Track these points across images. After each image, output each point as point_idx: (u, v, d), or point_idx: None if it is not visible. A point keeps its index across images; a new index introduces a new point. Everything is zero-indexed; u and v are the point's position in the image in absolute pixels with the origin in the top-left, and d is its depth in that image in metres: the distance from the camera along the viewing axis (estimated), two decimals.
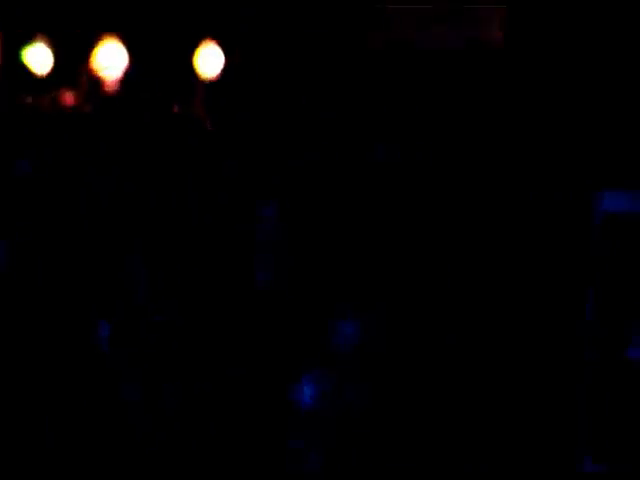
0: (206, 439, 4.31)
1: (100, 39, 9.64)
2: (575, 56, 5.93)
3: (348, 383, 4.13)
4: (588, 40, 5.92)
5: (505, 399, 4.39)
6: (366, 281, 4.90)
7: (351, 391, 4.13)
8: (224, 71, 10.38)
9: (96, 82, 9.66)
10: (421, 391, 4.38)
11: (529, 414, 4.32)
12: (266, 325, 4.83)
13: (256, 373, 4.64)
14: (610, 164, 4.93)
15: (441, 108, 6.51)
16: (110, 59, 9.53)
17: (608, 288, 4.19)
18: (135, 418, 4.36)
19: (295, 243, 5.13)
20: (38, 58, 9.97)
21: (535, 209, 4.93)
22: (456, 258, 4.87)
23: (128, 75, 9.82)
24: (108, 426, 4.29)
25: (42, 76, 9.98)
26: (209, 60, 10.31)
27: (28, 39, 9.96)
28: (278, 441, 4.16)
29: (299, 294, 4.86)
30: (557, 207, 4.86)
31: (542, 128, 5.71)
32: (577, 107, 5.68)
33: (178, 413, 4.45)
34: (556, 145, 5.51)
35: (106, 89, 9.47)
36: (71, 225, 5.45)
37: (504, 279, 4.70)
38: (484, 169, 5.44)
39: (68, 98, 9.34)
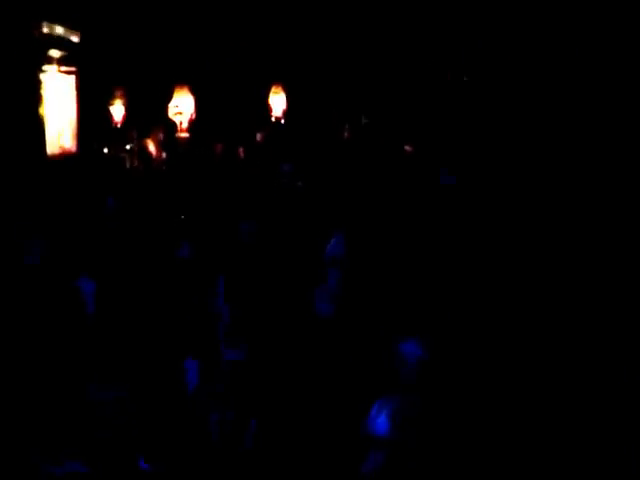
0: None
1: (172, 90, 10.07)
2: None
3: (415, 405, 4.12)
4: None
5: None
6: (426, 302, 5.07)
7: (418, 412, 4.11)
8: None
9: (169, 131, 10.10)
10: (487, 407, 4.47)
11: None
12: (333, 354, 5.00)
13: (324, 404, 4.77)
14: None
15: None
16: (181, 108, 9.94)
17: None
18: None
19: (357, 268, 5.35)
20: (116, 110, 10.44)
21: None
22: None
23: (198, 122, 10.24)
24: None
25: (118, 127, 10.45)
26: (276, 103, 10.70)
27: (105, 92, 10.45)
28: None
29: (361, 320, 5.03)
30: None
31: None
32: None
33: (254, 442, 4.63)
34: None
35: (178, 137, 9.89)
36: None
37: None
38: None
39: (150, 147, 9.84)
